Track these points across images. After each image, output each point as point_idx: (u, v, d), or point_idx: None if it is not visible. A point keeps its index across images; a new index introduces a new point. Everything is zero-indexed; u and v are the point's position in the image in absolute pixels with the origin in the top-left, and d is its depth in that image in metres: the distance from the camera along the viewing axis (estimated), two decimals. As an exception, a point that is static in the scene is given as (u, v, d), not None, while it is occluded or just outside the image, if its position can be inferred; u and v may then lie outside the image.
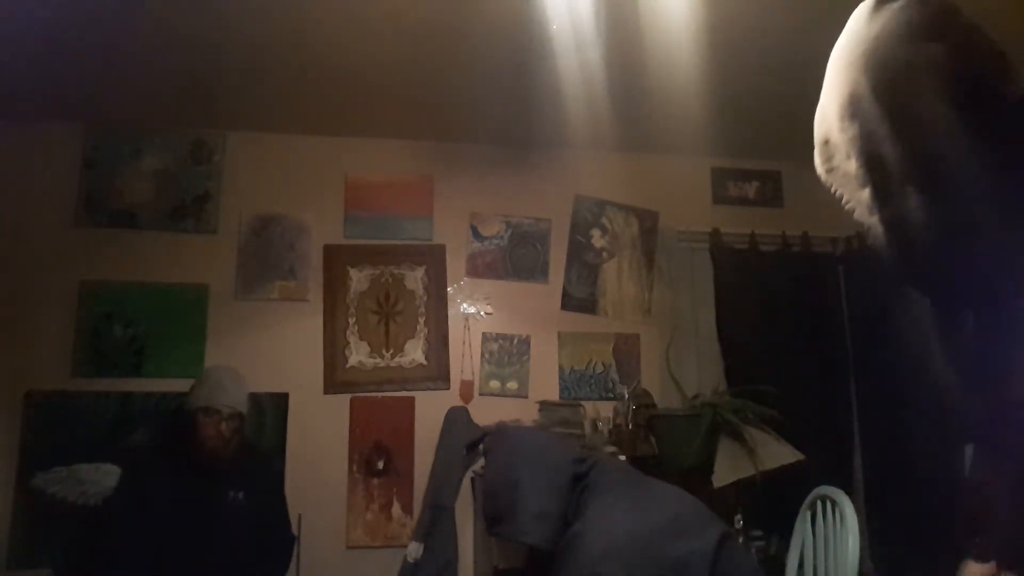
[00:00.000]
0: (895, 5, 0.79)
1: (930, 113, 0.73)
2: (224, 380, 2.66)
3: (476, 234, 3.58)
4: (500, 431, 2.65)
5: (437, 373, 3.41)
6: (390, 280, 3.46)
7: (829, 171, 0.86)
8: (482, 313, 3.51)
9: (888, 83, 0.77)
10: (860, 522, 2.41)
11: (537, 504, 1.77)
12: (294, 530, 2.88)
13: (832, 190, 0.86)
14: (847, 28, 0.84)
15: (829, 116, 0.84)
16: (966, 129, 0.72)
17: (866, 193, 0.79)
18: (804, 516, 2.62)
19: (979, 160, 0.72)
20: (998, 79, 0.75)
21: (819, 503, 2.56)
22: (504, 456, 1.97)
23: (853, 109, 0.79)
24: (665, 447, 3.05)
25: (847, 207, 0.84)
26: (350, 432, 3.28)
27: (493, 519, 1.89)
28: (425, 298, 3.47)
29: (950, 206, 0.74)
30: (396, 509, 3.24)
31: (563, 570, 1.70)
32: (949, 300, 0.82)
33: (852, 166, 0.80)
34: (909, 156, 0.75)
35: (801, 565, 2.60)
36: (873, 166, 0.78)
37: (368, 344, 3.38)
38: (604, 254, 3.69)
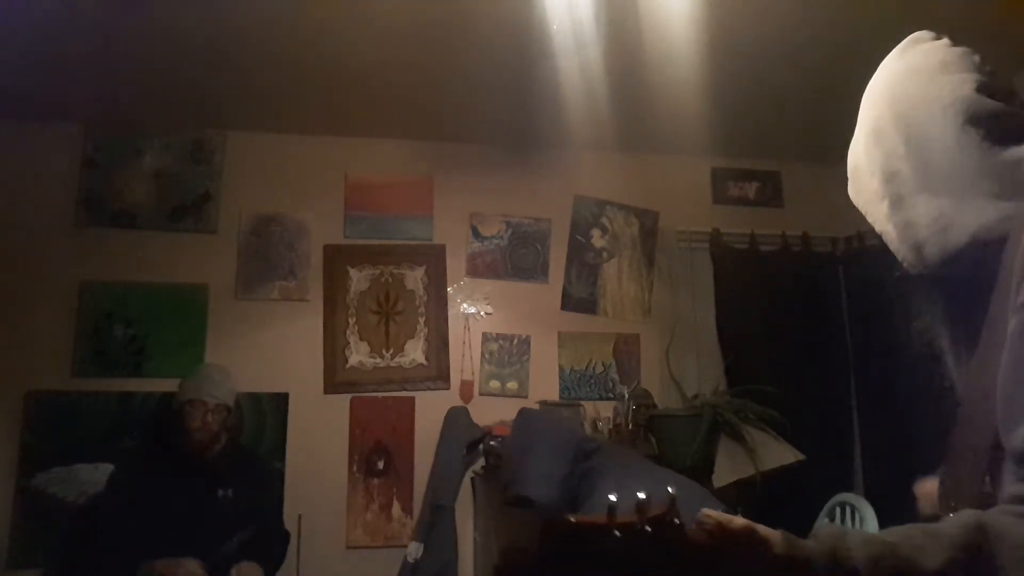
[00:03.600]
0: (924, 46, 0.93)
1: (940, 131, 0.86)
2: (213, 375, 2.73)
3: (476, 234, 3.58)
4: (521, 414, 2.72)
5: (437, 373, 3.40)
6: (390, 280, 3.46)
7: (857, 192, 0.99)
8: (482, 313, 3.51)
9: (907, 111, 0.90)
10: (861, 522, 2.40)
11: (543, 465, 1.90)
12: (291, 528, 2.86)
13: (862, 210, 0.98)
14: (879, 68, 0.97)
15: (858, 145, 0.98)
16: (978, 143, 0.84)
17: (884, 205, 0.92)
18: (822, 523, 2.59)
19: (984, 168, 0.83)
20: (1010, 101, 0.89)
21: (838, 510, 2.51)
22: (521, 430, 2.14)
23: (876, 136, 0.94)
24: (665, 447, 3.04)
25: (870, 220, 0.96)
26: (350, 432, 3.28)
27: (506, 484, 2.01)
28: (425, 298, 3.47)
29: (955, 205, 0.84)
30: (396, 509, 3.24)
31: None
32: (957, 300, 0.88)
33: (874, 183, 0.94)
34: (921, 169, 0.88)
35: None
36: (890, 180, 0.91)
37: (368, 344, 3.38)
38: (604, 254, 3.69)
